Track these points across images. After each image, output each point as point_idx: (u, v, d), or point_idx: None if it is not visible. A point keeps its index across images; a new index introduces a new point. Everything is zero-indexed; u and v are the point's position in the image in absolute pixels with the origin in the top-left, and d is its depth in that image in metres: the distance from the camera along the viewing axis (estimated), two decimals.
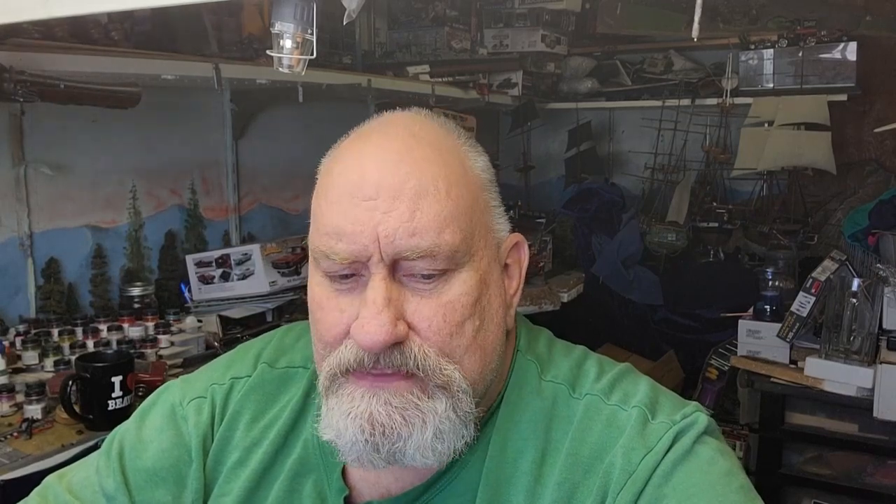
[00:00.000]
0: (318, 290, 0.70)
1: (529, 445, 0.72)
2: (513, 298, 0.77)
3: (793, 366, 2.33)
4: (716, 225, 3.60)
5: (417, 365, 0.66)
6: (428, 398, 0.67)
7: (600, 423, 0.71)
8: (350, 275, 0.67)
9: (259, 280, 2.37)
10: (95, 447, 0.90)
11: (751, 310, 2.52)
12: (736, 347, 2.51)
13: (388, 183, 0.65)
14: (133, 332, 2.09)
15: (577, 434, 0.71)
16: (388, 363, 0.66)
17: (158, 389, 0.89)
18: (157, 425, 0.83)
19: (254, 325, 2.35)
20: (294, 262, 2.45)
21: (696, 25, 0.81)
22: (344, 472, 0.78)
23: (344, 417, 0.67)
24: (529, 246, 0.79)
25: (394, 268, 0.66)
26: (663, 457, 0.68)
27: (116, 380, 1.63)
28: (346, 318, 0.67)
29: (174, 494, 0.80)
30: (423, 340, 0.66)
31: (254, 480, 0.79)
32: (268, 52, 0.93)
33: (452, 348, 0.67)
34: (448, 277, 0.67)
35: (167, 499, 0.79)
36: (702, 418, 0.71)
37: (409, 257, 0.65)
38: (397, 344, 0.65)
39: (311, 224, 0.71)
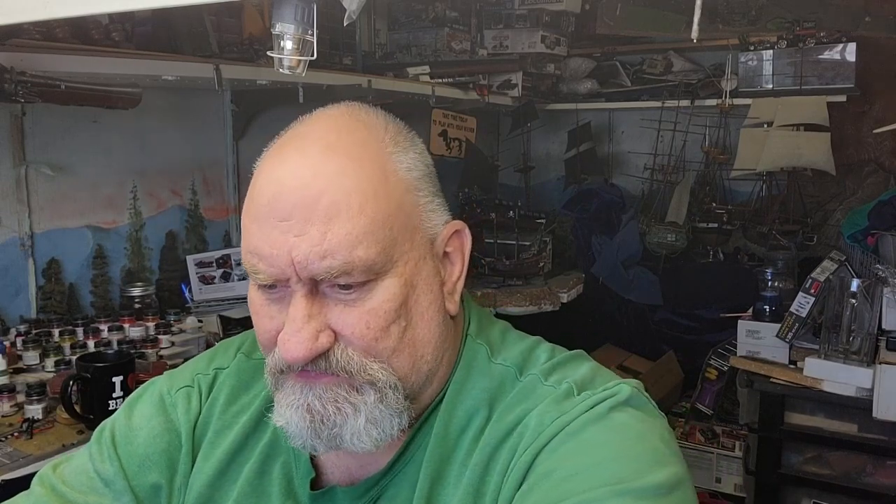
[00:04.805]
0: (254, 296, 0.74)
1: (472, 423, 0.75)
2: (455, 285, 0.78)
3: (792, 366, 2.34)
4: (715, 225, 3.61)
5: (342, 368, 0.69)
6: (357, 392, 0.70)
7: (530, 399, 0.74)
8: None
9: None
10: None
11: (750, 310, 2.52)
12: (735, 348, 2.51)
13: (302, 202, 0.66)
14: (134, 332, 2.09)
15: (506, 407, 0.74)
16: (314, 368, 0.69)
17: (144, 384, 0.91)
18: (147, 413, 0.86)
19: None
20: None
21: (695, 26, 0.81)
22: (313, 458, 0.80)
23: (288, 408, 0.71)
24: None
25: (315, 282, 0.68)
26: (575, 419, 0.69)
27: (117, 380, 1.63)
28: (275, 325, 0.71)
29: (167, 478, 0.82)
30: (348, 345, 0.69)
31: (224, 462, 0.82)
32: (268, 52, 0.93)
33: (378, 351, 0.70)
34: (370, 287, 0.69)
35: (161, 482, 0.82)
36: (625, 389, 0.72)
37: (324, 278, 0.67)
38: (322, 353, 0.69)
39: (242, 237, 0.73)
